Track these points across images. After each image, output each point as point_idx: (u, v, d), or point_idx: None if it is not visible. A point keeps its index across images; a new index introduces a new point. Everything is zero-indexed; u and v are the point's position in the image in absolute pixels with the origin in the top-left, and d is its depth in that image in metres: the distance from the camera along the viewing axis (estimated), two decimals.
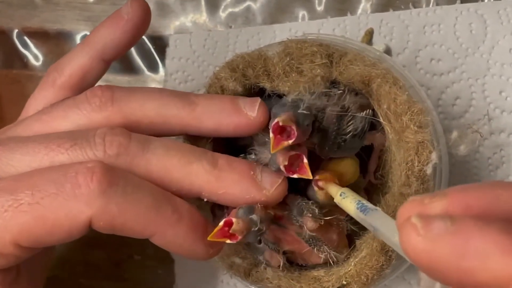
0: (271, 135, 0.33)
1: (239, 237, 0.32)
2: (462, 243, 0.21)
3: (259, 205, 0.33)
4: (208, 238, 0.32)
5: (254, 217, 0.33)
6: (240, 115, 0.35)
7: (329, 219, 0.35)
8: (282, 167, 0.34)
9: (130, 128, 0.33)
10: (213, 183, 0.33)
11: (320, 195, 0.35)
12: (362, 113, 0.37)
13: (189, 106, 0.34)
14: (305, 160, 0.34)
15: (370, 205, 0.30)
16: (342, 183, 0.36)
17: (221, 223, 0.32)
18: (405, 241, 0.22)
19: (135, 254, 0.49)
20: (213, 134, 0.36)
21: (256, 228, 0.33)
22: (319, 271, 0.37)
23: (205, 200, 0.34)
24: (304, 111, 0.34)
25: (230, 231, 0.32)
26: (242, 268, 0.38)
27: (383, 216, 0.29)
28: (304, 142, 0.35)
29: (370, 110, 0.37)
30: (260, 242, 0.36)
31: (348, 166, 0.37)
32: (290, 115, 0.33)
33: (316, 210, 0.35)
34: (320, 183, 0.34)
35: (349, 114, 0.36)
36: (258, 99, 0.36)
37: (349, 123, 0.36)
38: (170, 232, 0.31)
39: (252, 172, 0.34)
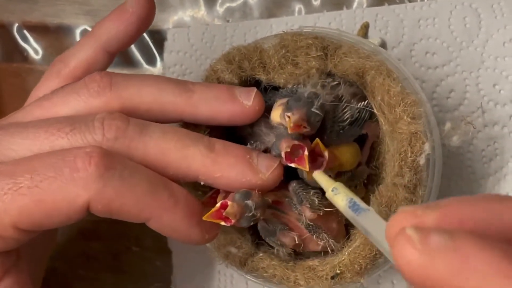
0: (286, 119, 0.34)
1: (233, 221, 0.33)
2: (462, 261, 0.20)
3: (256, 191, 0.34)
4: (203, 218, 0.32)
5: (249, 202, 0.33)
6: (236, 104, 0.36)
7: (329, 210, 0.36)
8: (282, 154, 0.34)
9: (127, 113, 0.34)
10: (209, 166, 0.33)
11: (307, 176, 0.35)
12: (360, 103, 0.37)
13: (185, 93, 0.35)
14: (306, 153, 0.34)
15: (362, 204, 0.30)
16: (342, 169, 0.36)
17: (218, 205, 0.33)
18: (399, 254, 0.21)
19: (133, 245, 0.49)
20: (209, 121, 0.36)
21: (250, 214, 0.33)
22: (313, 261, 0.37)
23: (202, 183, 0.34)
24: (317, 111, 0.35)
25: (224, 214, 0.33)
26: (237, 258, 0.38)
27: (375, 218, 0.28)
28: (308, 135, 0.36)
29: (364, 102, 0.37)
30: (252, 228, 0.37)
31: (348, 152, 0.37)
32: (303, 114, 0.34)
33: (316, 201, 0.35)
34: (315, 172, 0.35)
35: (344, 102, 0.37)
36: (254, 89, 0.36)
37: (345, 111, 0.37)
38: (166, 217, 0.32)
39: (248, 156, 0.34)
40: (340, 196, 0.31)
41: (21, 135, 0.33)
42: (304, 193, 0.36)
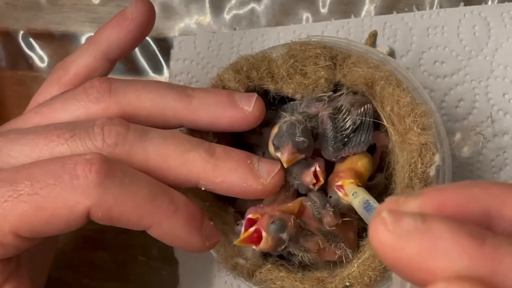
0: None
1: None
2: (430, 243, 0.21)
3: (292, 221, 0.34)
4: (235, 243, 0.33)
5: (284, 235, 0.33)
6: (236, 109, 0.35)
7: (348, 220, 0.36)
8: (312, 187, 0.36)
9: (127, 119, 0.34)
10: (210, 171, 0.33)
11: (345, 200, 0.35)
12: (359, 109, 0.37)
13: (185, 98, 0.35)
14: (318, 168, 0.35)
15: (376, 204, 0.30)
16: (360, 180, 0.36)
17: (252, 229, 0.33)
18: (372, 235, 0.22)
19: (139, 255, 0.49)
20: (209, 127, 0.36)
21: (283, 247, 0.34)
22: (322, 272, 0.37)
23: (203, 189, 0.34)
24: (302, 138, 0.35)
25: (257, 249, 0.33)
26: (245, 269, 0.38)
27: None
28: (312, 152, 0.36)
29: (369, 105, 0.37)
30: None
31: (360, 161, 0.37)
32: (290, 148, 0.34)
33: (339, 207, 0.36)
34: (342, 189, 0.35)
35: (344, 111, 0.37)
36: (255, 94, 0.36)
37: (346, 120, 0.37)
38: (167, 224, 0.32)
39: (249, 161, 0.34)
40: (358, 199, 0.32)
41: (21, 142, 0.32)
42: (328, 198, 0.36)
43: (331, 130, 0.37)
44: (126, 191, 0.30)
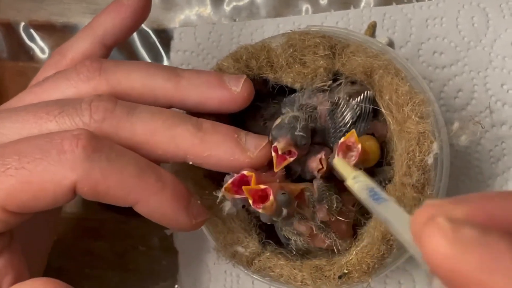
0: (273, 154, 0.34)
1: (268, 202, 0.33)
2: (492, 258, 0.19)
3: (296, 202, 0.35)
4: (224, 186, 0.33)
5: (284, 211, 0.34)
6: (224, 90, 0.36)
7: (342, 211, 0.36)
8: (315, 173, 0.36)
9: (117, 97, 0.34)
10: (197, 145, 0.33)
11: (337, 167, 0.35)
12: (356, 99, 0.37)
13: (174, 78, 0.35)
14: (323, 156, 0.36)
15: (383, 194, 0.29)
16: (366, 161, 0.36)
17: (263, 186, 0.33)
18: (427, 241, 0.20)
19: (139, 245, 0.49)
20: (198, 107, 0.36)
21: (276, 218, 0.34)
22: (321, 260, 0.37)
23: (190, 163, 0.34)
24: (301, 133, 0.35)
25: (252, 206, 0.33)
26: (244, 257, 0.38)
27: (396, 208, 0.27)
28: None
29: (369, 92, 0.37)
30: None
31: (368, 141, 0.37)
32: (288, 140, 0.35)
33: (334, 206, 0.36)
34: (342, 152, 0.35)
35: (342, 105, 0.37)
36: (244, 76, 0.37)
37: (345, 114, 0.37)
38: (153, 200, 0.32)
39: (236, 135, 0.35)
40: (360, 185, 0.30)
41: (11, 119, 0.33)
42: (327, 193, 0.36)
43: (330, 126, 0.37)
44: (112, 166, 0.31)
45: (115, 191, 0.31)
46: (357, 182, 0.31)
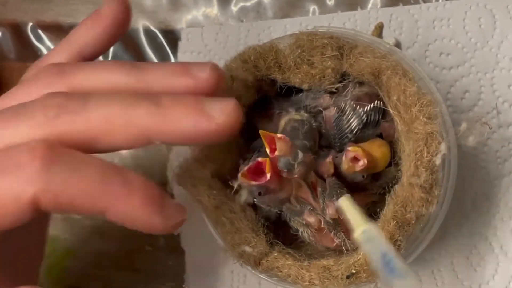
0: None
1: (268, 176, 0.34)
2: None
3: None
4: (240, 173, 0.34)
5: (300, 155, 0.34)
6: (189, 77, 0.34)
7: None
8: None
9: None
10: (160, 122, 0.32)
11: (345, 164, 0.35)
12: (365, 108, 0.37)
13: (137, 71, 0.34)
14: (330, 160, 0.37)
15: (399, 263, 0.25)
16: (373, 168, 0.37)
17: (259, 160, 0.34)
18: None
19: (146, 245, 0.49)
20: None
21: (294, 162, 0.34)
22: (328, 260, 0.37)
23: (158, 143, 0.33)
24: (305, 141, 0.36)
25: (277, 152, 0.34)
26: (252, 257, 0.38)
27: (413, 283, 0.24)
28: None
29: (378, 102, 0.38)
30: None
31: (380, 149, 0.37)
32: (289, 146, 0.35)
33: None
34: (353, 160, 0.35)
35: (347, 111, 0.37)
36: (210, 62, 0.35)
37: (351, 121, 0.37)
38: (122, 206, 0.30)
39: (199, 103, 0.32)
40: (371, 246, 0.26)
41: None
42: (338, 191, 0.36)
43: (335, 132, 0.38)
44: (73, 175, 0.29)
45: (80, 201, 0.29)
46: (368, 240, 0.27)
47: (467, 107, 0.44)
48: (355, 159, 0.35)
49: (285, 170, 0.35)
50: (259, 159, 0.35)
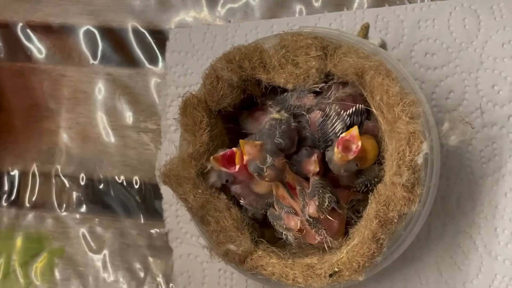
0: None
1: (237, 167, 0.36)
2: None
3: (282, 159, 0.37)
4: (212, 157, 0.36)
5: (269, 159, 0.36)
6: None
7: (334, 209, 0.37)
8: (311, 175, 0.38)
9: None
10: None
11: (337, 154, 0.36)
12: (347, 111, 0.38)
13: None
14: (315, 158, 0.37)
15: None
16: (364, 160, 0.37)
17: (228, 151, 0.36)
18: None
19: (133, 243, 0.50)
20: None
21: (263, 165, 0.36)
22: (312, 259, 0.38)
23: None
24: (280, 140, 0.37)
25: (246, 155, 0.35)
26: (237, 256, 0.39)
27: None
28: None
29: (360, 105, 0.38)
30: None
31: (369, 144, 0.38)
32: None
33: (326, 204, 0.36)
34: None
35: (332, 116, 0.38)
36: None
37: (335, 125, 0.38)
38: None
39: None
40: None
41: None
42: (321, 191, 0.36)
43: (320, 136, 0.38)
44: None
45: None
46: None
47: (452, 107, 0.44)
48: (347, 149, 0.36)
49: (255, 174, 0.36)
50: (234, 149, 0.36)
